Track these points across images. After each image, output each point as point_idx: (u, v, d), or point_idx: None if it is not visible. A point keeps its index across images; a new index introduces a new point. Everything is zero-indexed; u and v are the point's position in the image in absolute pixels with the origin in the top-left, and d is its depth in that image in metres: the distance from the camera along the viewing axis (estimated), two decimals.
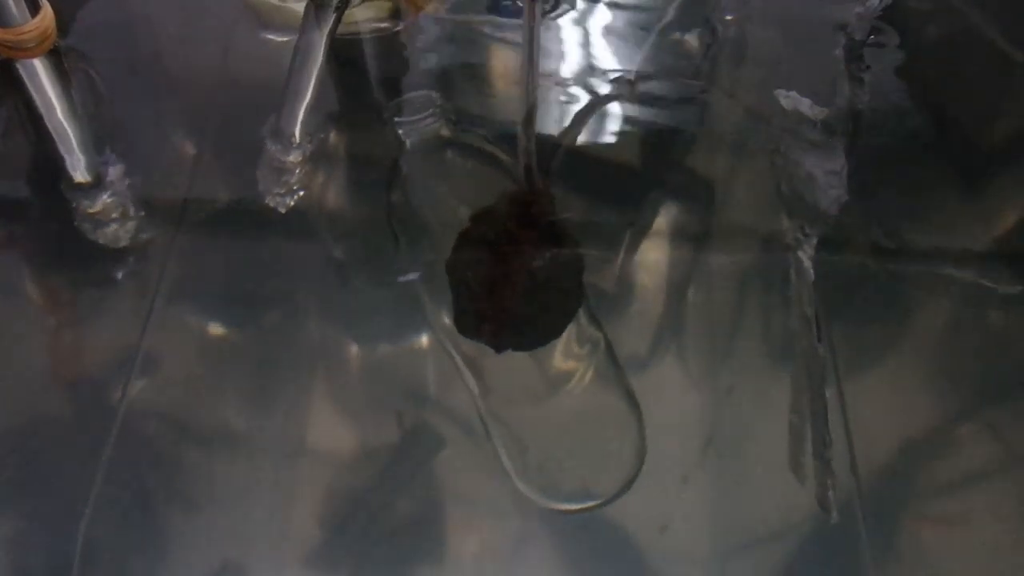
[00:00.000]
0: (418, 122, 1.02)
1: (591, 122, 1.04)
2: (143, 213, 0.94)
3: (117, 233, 0.92)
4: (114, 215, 0.93)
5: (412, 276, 0.89)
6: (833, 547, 0.74)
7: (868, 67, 1.10)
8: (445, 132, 1.02)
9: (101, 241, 0.91)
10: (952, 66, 1.14)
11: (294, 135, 1.00)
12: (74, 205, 0.94)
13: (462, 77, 1.08)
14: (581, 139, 1.02)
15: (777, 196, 0.97)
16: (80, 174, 0.97)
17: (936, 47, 1.17)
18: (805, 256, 0.91)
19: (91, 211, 0.93)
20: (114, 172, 0.96)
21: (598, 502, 0.76)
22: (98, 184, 0.95)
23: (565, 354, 0.85)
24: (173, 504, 0.75)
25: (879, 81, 1.08)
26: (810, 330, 0.86)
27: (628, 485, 0.76)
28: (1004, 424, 0.82)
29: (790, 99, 1.05)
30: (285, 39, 1.09)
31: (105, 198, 0.94)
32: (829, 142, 1.01)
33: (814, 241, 0.93)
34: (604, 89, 1.07)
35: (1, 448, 0.78)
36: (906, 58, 1.11)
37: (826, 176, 0.98)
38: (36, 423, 0.80)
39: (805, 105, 1.04)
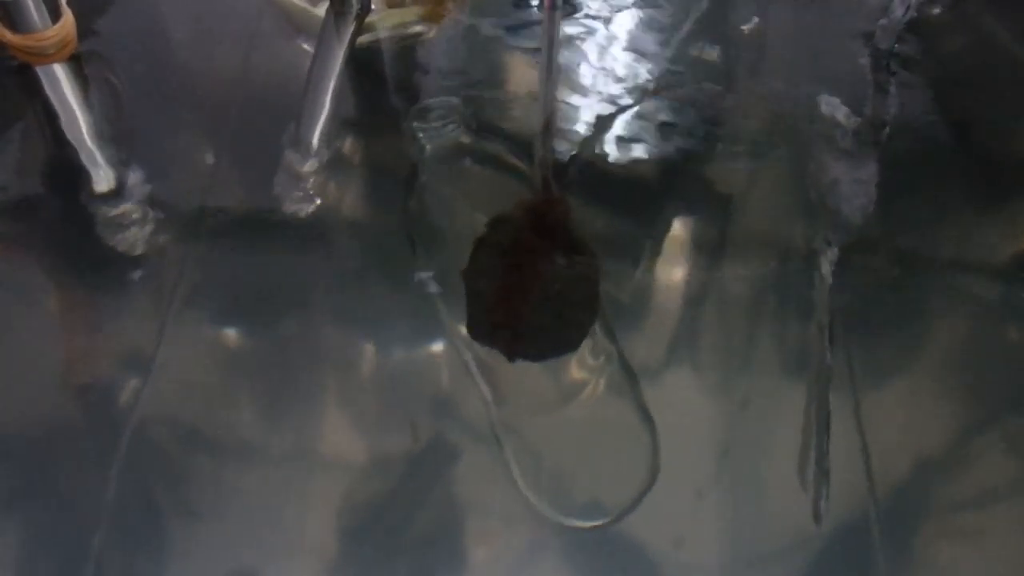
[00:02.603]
0: (439, 128, 1.02)
1: (609, 132, 1.03)
2: (162, 217, 0.94)
3: (135, 238, 0.92)
4: (133, 219, 0.93)
5: (427, 277, 0.89)
6: (849, 561, 0.74)
7: (895, 73, 1.09)
8: (465, 139, 1.02)
9: (120, 247, 0.92)
10: (973, 78, 1.13)
11: (312, 143, 1.00)
12: (93, 211, 0.94)
13: (481, 85, 1.08)
14: (599, 149, 1.01)
15: (799, 204, 0.97)
16: (100, 180, 0.97)
17: (958, 59, 1.16)
18: (826, 263, 0.91)
19: (110, 216, 0.93)
20: (134, 178, 0.96)
21: (609, 519, 0.75)
22: (118, 190, 0.96)
23: (580, 365, 0.85)
24: (185, 513, 0.75)
25: (900, 91, 1.08)
26: (822, 336, 0.86)
27: (639, 501, 0.76)
28: (1023, 438, 0.82)
29: (829, 105, 1.04)
30: (310, 46, 1.09)
31: (125, 204, 0.94)
32: (860, 151, 1.01)
33: (836, 249, 0.92)
34: (623, 99, 1.06)
35: (13, 454, 0.78)
36: (927, 69, 1.10)
37: (852, 184, 0.97)
38: (49, 429, 0.80)
39: (842, 112, 1.04)
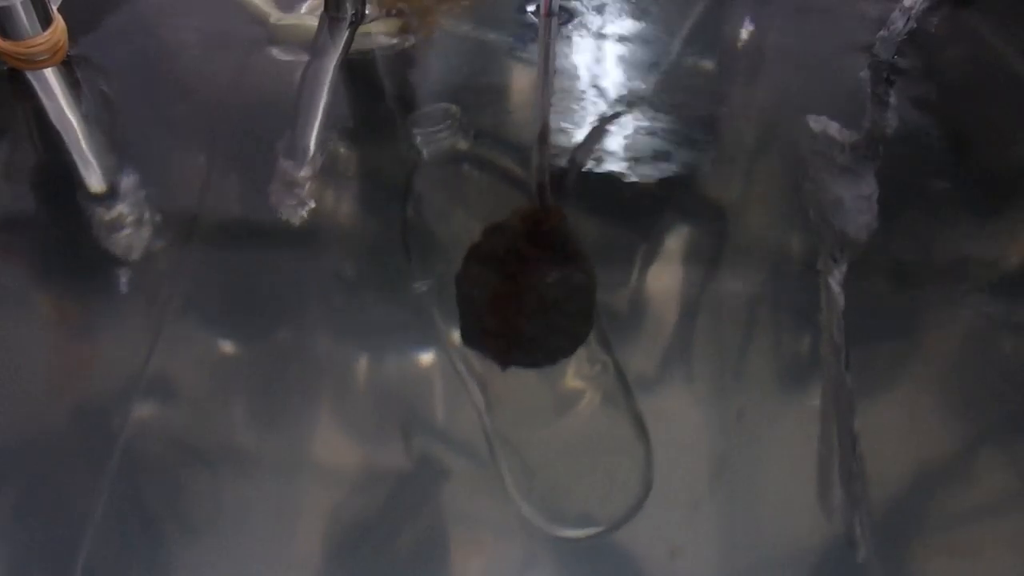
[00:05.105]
0: (436, 133, 1.02)
1: (606, 140, 1.03)
2: (158, 220, 0.93)
3: (131, 240, 0.91)
4: (128, 222, 0.93)
5: (424, 288, 0.88)
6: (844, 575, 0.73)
7: (893, 82, 1.09)
8: (462, 145, 1.01)
9: (114, 250, 0.91)
10: (973, 90, 1.13)
11: (307, 150, 1.00)
12: (88, 215, 0.94)
13: (475, 93, 1.08)
14: (596, 157, 1.01)
15: (796, 216, 0.97)
16: (95, 184, 0.97)
17: (956, 70, 1.16)
18: (835, 282, 0.90)
19: (106, 220, 0.93)
20: (128, 182, 0.96)
21: (603, 529, 0.74)
22: (113, 194, 0.95)
23: (575, 375, 0.84)
24: (177, 526, 0.74)
25: (898, 104, 1.08)
26: (839, 358, 0.85)
27: (633, 512, 0.75)
28: (1022, 454, 0.81)
29: (819, 122, 1.04)
30: (296, 56, 1.09)
31: (121, 208, 0.94)
32: (859, 167, 1.00)
33: (844, 267, 0.92)
34: (619, 108, 1.06)
35: (2, 465, 0.77)
36: (926, 81, 1.10)
37: (855, 201, 0.97)
38: (39, 440, 0.79)
39: (834, 128, 1.03)
